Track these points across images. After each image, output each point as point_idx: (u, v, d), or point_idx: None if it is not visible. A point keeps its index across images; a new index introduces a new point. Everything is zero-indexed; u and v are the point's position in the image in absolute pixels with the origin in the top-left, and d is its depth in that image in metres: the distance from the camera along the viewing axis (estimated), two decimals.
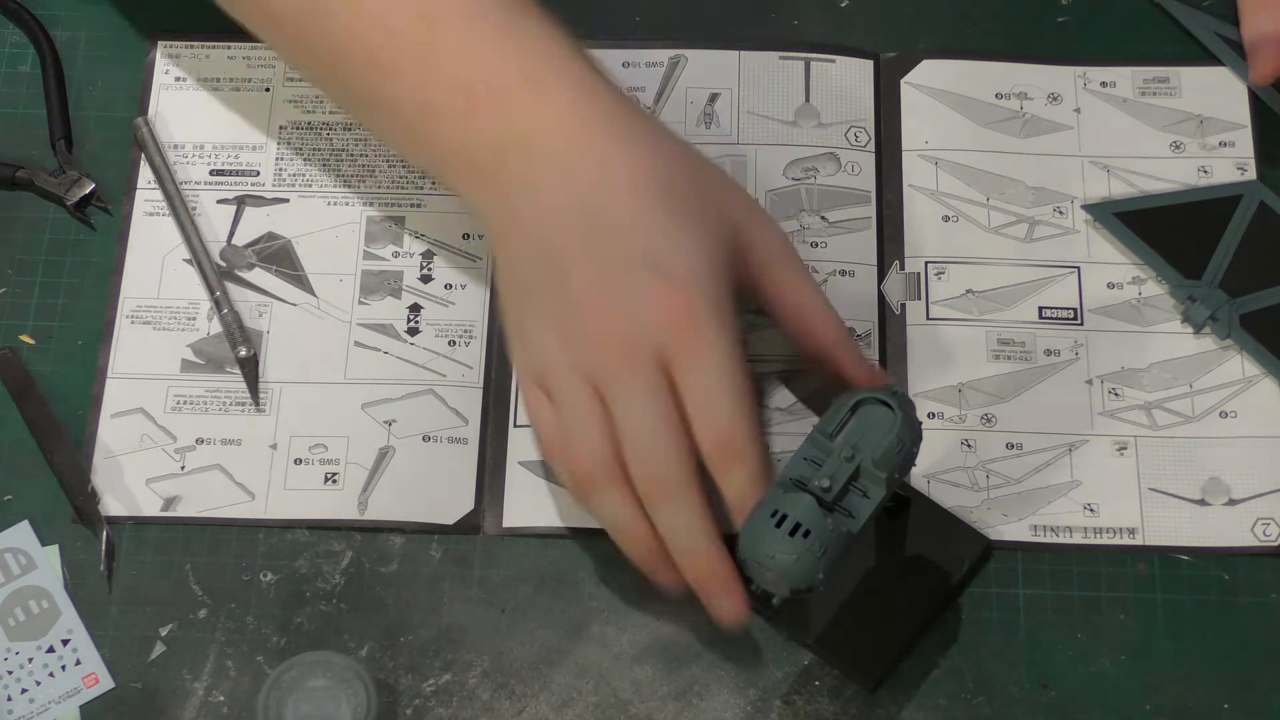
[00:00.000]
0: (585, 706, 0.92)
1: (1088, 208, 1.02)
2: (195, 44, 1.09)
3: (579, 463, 0.87)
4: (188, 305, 1.01)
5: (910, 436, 0.84)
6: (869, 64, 1.08)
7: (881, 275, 1.02)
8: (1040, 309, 1.01)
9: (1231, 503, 0.96)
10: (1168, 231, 1.01)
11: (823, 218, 1.03)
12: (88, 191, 1.03)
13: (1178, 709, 0.91)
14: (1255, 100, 1.06)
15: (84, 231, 1.03)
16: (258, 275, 1.02)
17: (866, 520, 0.83)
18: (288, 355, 1.00)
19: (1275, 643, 0.93)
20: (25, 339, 1.00)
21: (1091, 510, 0.96)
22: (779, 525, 0.81)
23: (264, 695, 0.88)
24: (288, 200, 1.04)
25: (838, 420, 0.84)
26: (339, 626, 0.93)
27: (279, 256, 1.03)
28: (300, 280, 1.02)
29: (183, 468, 0.97)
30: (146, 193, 1.04)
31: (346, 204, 1.04)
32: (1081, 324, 1.00)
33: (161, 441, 0.98)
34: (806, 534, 0.80)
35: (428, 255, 1.03)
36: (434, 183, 1.04)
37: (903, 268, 1.02)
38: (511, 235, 0.89)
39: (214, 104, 1.07)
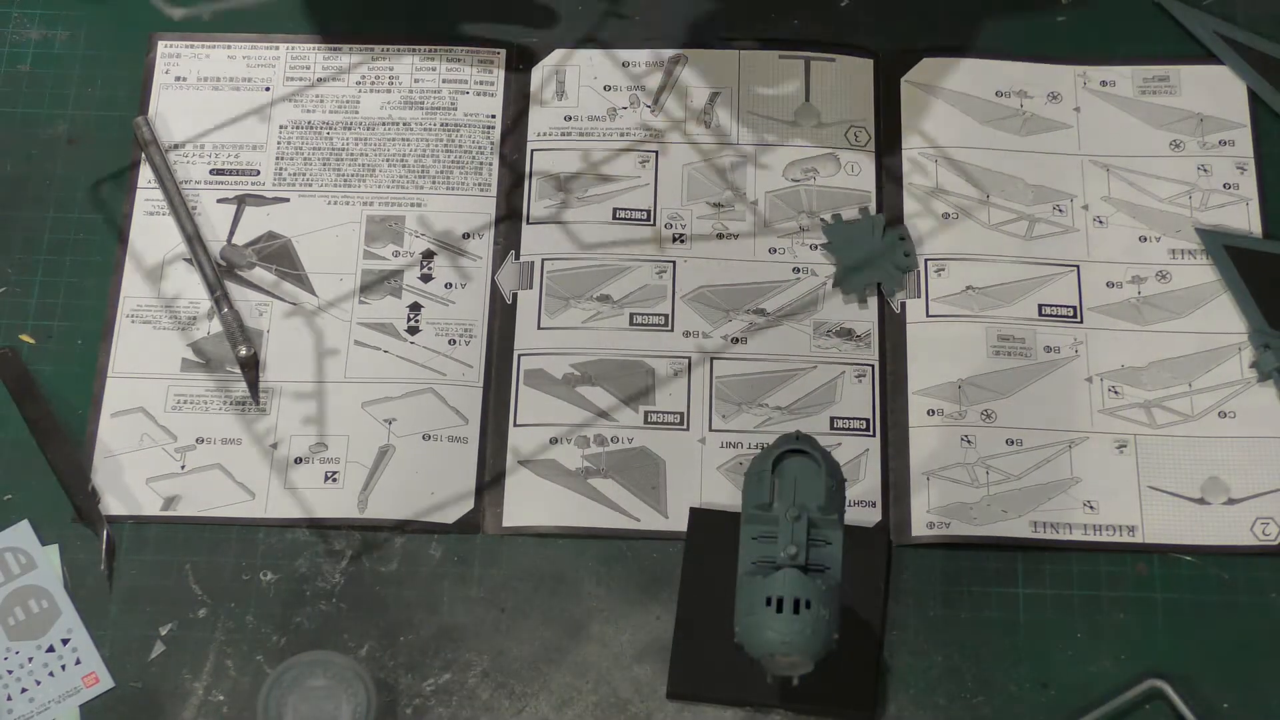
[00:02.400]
0: (585, 706, 0.92)
1: (1200, 231, 1.02)
2: (195, 43, 1.09)
3: None
4: (188, 305, 1.01)
5: (836, 468, 0.83)
6: (869, 63, 1.07)
7: None
8: (1040, 306, 1.01)
9: (1231, 502, 0.96)
10: (1269, 277, 1.01)
11: (823, 219, 1.03)
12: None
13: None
14: (1255, 99, 1.06)
15: (84, 230, 1.03)
16: (258, 274, 1.02)
17: (841, 564, 0.82)
18: (288, 354, 1.00)
19: (1275, 642, 0.93)
20: (25, 338, 1.00)
21: (1091, 508, 0.96)
22: (779, 610, 0.79)
23: (264, 694, 0.88)
24: (288, 199, 1.04)
25: (765, 489, 0.82)
26: (339, 626, 0.93)
27: (279, 256, 1.03)
28: (300, 279, 1.02)
29: (183, 467, 0.97)
30: (147, 192, 1.04)
31: (347, 203, 1.04)
32: (1081, 321, 1.00)
33: (162, 441, 0.98)
34: (808, 605, 0.79)
35: (428, 254, 1.03)
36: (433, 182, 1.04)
37: None
38: None
39: (214, 103, 1.07)
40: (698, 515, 0.95)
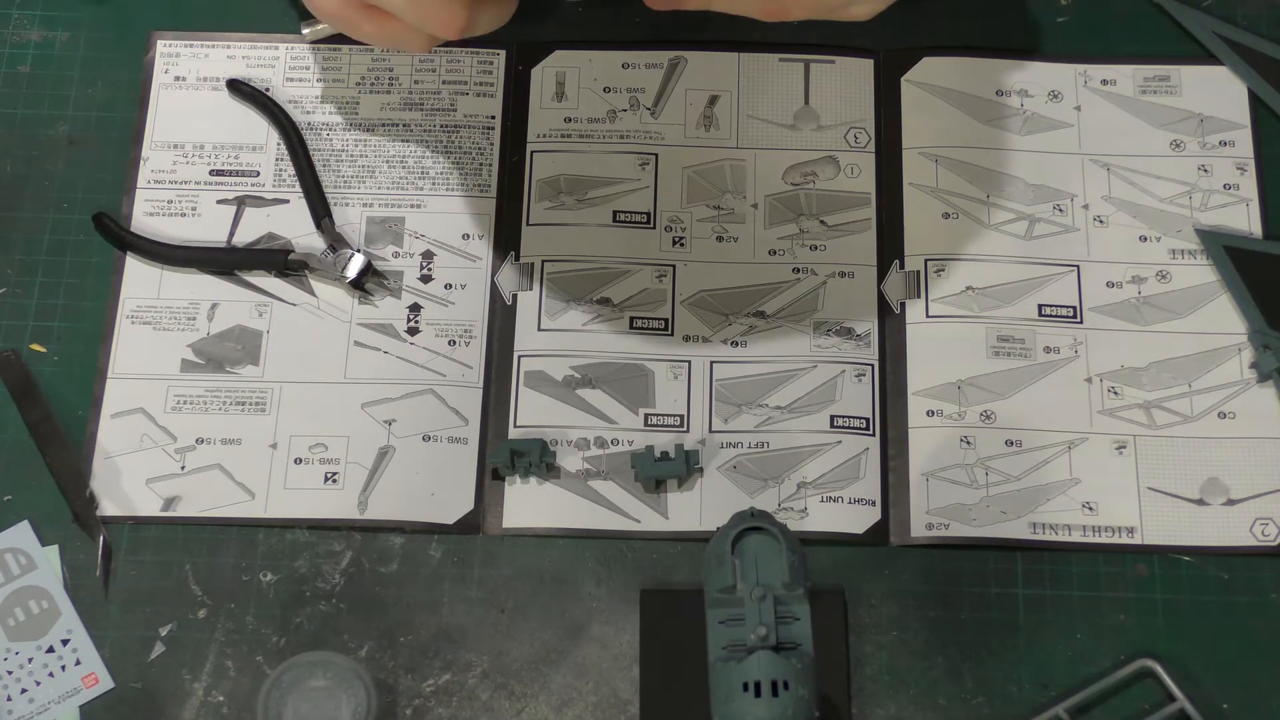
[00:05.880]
0: (585, 706, 0.92)
1: (1200, 232, 1.02)
2: (194, 42, 1.08)
3: None
4: (188, 305, 1.01)
5: (797, 543, 0.82)
6: (869, 63, 1.07)
7: (881, 274, 1.02)
8: (1040, 306, 1.01)
9: (1230, 503, 0.96)
10: (1269, 278, 1.01)
11: (822, 222, 1.03)
12: (362, 267, 1.01)
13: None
14: (1255, 100, 1.06)
15: (84, 231, 1.03)
16: (258, 275, 1.02)
17: (812, 638, 0.80)
18: (288, 355, 1.00)
19: (1275, 642, 0.93)
20: (36, 348, 1.00)
21: (1090, 509, 0.96)
22: (758, 694, 0.77)
23: (264, 695, 0.88)
24: (288, 201, 1.04)
25: (726, 571, 0.80)
26: (339, 626, 0.93)
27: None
28: (300, 280, 1.02)
29: (183, 468, 0.97)
30: (147, 192, 1.04)
31: (346, 204, 1.04)
32: (1081, 322, 1.00)
33: (161, 441, 0.98)
34: (786, 685, 0.78)
35: (428, 255, 1.03)
36: (432, 183, 1.04)
37: (902, 266, 1.02)
38: None
39: (214, 103, 1.07)
40: (648, 597, 0.94)
